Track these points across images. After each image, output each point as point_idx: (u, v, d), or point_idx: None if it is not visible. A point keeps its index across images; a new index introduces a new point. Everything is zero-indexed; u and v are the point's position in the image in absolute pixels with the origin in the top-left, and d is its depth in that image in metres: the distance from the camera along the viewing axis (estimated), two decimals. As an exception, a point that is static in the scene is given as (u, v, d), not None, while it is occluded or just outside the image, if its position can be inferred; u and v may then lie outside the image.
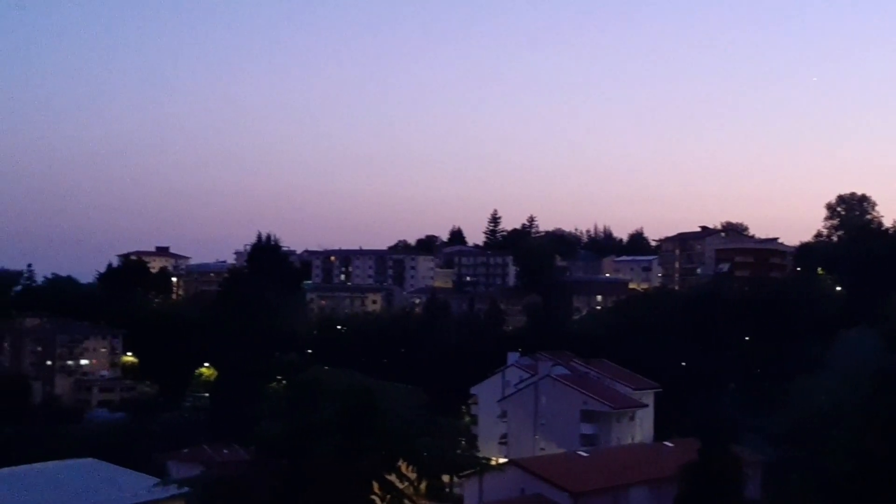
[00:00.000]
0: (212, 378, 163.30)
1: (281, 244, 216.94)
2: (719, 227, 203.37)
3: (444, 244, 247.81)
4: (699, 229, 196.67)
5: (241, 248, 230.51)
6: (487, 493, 65.92)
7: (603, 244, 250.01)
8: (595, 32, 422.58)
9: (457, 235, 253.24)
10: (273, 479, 42.61)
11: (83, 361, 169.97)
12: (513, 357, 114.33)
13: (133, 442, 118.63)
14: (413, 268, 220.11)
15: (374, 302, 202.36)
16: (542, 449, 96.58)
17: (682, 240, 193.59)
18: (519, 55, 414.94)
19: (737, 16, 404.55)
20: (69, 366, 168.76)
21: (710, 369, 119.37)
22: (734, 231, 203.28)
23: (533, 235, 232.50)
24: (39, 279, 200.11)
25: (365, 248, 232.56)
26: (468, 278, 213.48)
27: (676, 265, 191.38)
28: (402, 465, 37.19)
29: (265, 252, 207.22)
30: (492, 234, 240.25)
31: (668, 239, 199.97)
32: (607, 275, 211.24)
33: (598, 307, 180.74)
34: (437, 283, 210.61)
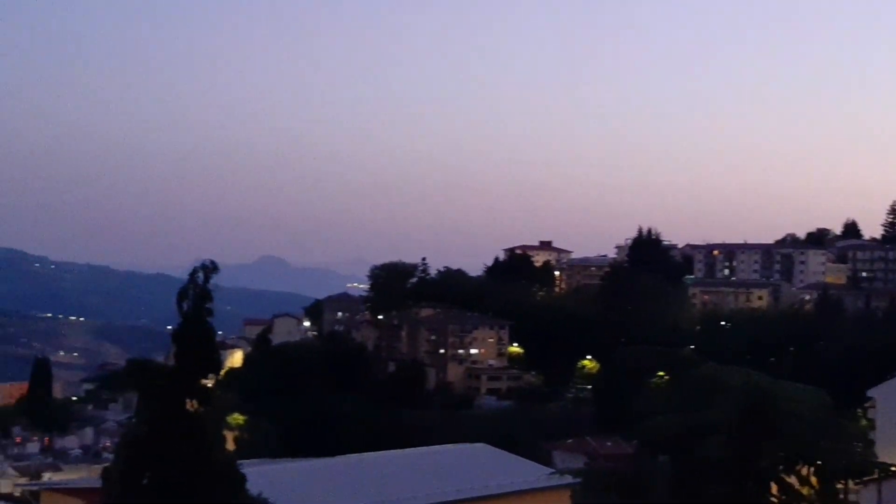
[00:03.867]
0: (594, 371, 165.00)
1: (662, 238, 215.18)
2: None
3: (837, 237, 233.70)
4: None
5: (621, 242, 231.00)
6: (886, 502, 61.14)
7: None
8: None
9: (851, 228, 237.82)
10: (661, 475, 41.93)
11: (473, 351, 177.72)
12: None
13: (519, 430, 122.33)
14: (802, 262, 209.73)
15: (760, 298, 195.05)
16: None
17: None
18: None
19: None
20: (460, 354, 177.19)
21: None
22: None
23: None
24: (433, 272, 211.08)
25: (750, 241, 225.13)
26: (864, 274, 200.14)
27: None
28: (803, 468, 35.24)
29: (646, 246, 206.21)
30: (891, 226, 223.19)
31: None
32: None
33: None
34: (829, 279, 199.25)
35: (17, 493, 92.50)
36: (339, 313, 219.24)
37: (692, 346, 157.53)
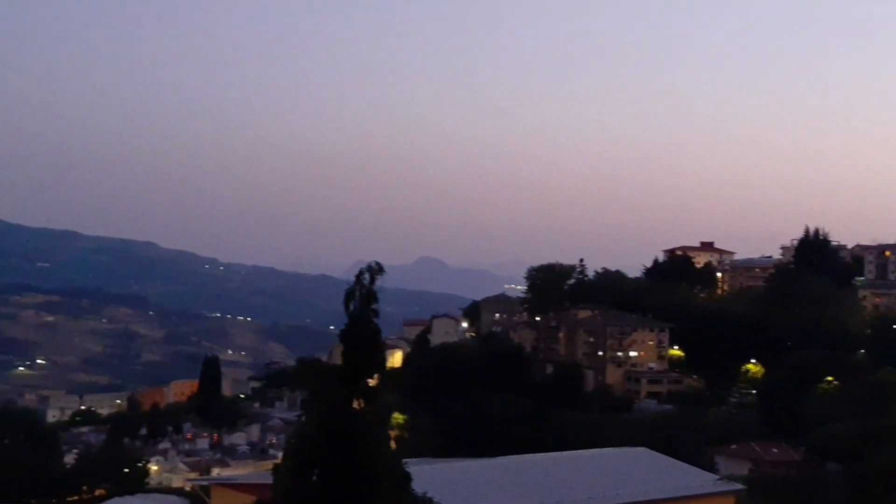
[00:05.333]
0: (759, 375, 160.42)
1: (830, 238, 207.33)
2: None
3: None
4: None
5: (787, 243, 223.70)
6: None
7: None
8: None
9: None
10: (831, 483, 40.42)
11: (632, 353, 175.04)
12: None
13: (680, 434, 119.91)
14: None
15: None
16: None
17: None
18: None
19: None
20: (618, 357, 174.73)
21: None
22: None
23: None
24: (591, 273, 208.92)
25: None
26: None
27: None
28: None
29: (813, 247, 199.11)
30: None
31: None
32: None
33: None
34: None
35: (188, 488, 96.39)
36: (497, 314, 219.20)
37: (863, 351, 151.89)
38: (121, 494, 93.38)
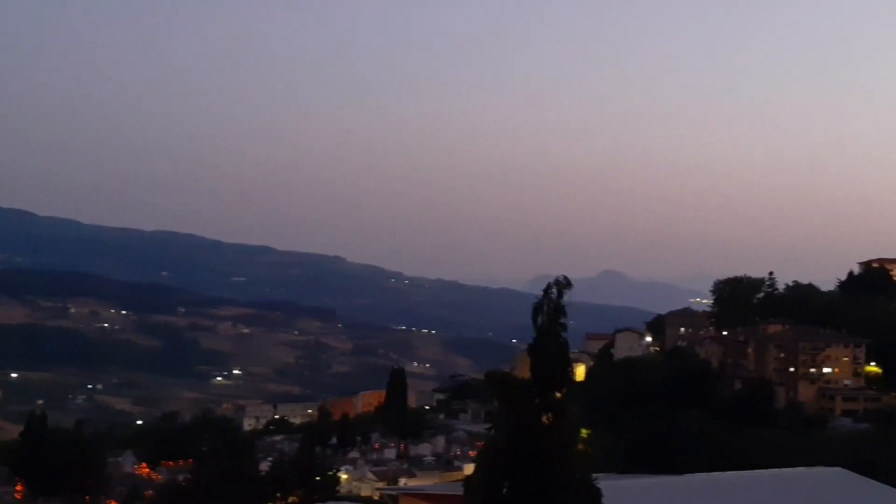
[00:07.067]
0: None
1: None
2: None
3: None
4: None
5: None
6: None
7: None
8: None
9: None
10: None
11: (825, 369, 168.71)
12: None
13: (879, 455, 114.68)
14: None
15: None
16: None
17: None
18: None
19: None
20: (811, 373, 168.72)
21: None
22: None
23: None
24: (781, 286, 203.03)
25: None
26: None
27: None
28: None
29: None
30: None
31: None
32: None
33: None
34: None
35: (376, 497, 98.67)
36: (682, 328, 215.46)
37: None
38: (313, 502, 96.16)
